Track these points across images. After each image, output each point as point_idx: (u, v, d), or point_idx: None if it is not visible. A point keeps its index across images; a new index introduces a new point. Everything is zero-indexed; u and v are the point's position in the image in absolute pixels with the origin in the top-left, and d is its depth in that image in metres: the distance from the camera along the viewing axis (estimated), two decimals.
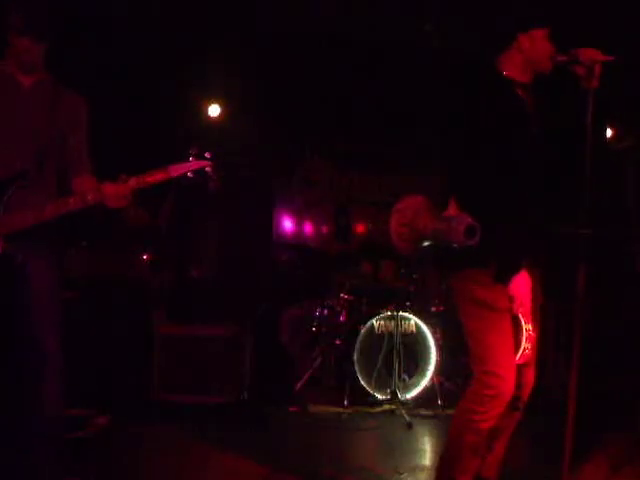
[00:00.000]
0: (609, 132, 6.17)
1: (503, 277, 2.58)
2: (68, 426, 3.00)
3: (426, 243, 2.66)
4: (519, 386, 2.68)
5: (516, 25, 2.70)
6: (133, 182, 2.66)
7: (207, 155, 2.75)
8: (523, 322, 2.64)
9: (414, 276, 5.41)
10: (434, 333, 5.11)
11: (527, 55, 2.68)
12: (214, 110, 6.48)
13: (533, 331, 2.66)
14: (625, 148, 2.93)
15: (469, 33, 4.73)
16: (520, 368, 2.67)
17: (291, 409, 4.95)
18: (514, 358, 2.63)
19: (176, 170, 2.70)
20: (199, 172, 2.75)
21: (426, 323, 5.11)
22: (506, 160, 2.55)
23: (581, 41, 2.59)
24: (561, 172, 2.73)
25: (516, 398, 2.67)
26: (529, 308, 2.67)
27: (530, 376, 2.76)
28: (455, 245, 2.48)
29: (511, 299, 2.62)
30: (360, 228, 7.10)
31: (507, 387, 2.59)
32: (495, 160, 2.54)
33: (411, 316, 5.11)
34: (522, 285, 2.62)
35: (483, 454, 2.73)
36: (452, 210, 2.59)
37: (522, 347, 2.64)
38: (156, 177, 2.68)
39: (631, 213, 2.92)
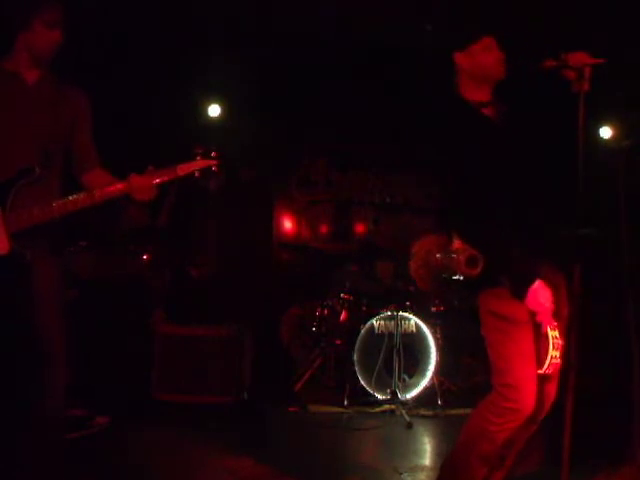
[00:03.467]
0: (609, 132, 6.20)
1: (518, 293, 2.54)
2: (68, 426, 3.01)
3: (444, 275, 2.67)
4: (542, 397, 2.61)
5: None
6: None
7: (213, 154, 2.75)
8: (549, 330, 2.54)
9: None
10: (434, 333, 5.11)
11: (471, 73, 2.68)
12: (214, 110, 6.49)
13: (560, 338, 2.55)
14: (622, 148, 2.94)
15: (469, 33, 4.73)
16: (542, 380, 2.60)
17: (291, 409, 4.95)
18: (535, 371, 2.56)
19: (184, 169, 2.71)
20: (206, 171, 2.75)
21: (426, 323, 5.11)
22: (494, 182, 2.55)
23: (574, 44, 2.60)
24: (558, 175, 2.73)
25: (537, 411, 2.61)
26: (552, 315, 2.58)
27: (552, 389, 2.70)
28: (461, 276, 2.50)
29: (532, 312, 2.56)
30: (360, 228, 7.11)
31: (527, 401, 2.54)
32: (483, 184, 2.55)
33: (411, 316, 5.11)
34: (540, 296, 2.54)
35: (493, 464, 2.68)
36: (457, 243, 2.59)
37: (549, 356, 2.53)
38: (165, 177, 2.69)
39: (623, 213, 2.93)
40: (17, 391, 2.69)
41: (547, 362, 2.54)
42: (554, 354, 2.53)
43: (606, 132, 6.21)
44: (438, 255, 2.61)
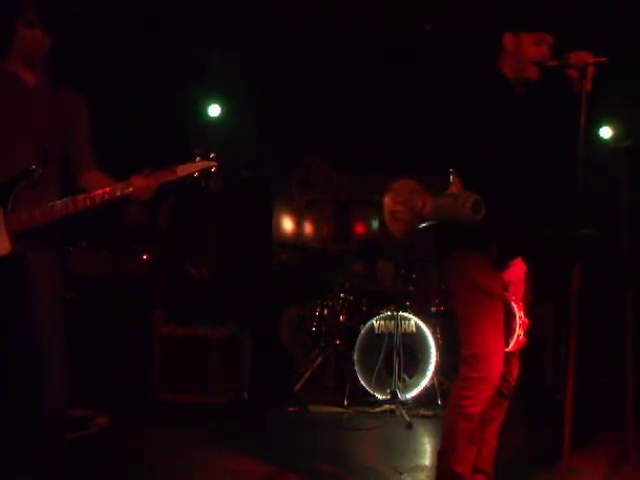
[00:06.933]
0: (609, 132, 6.20)
1: (502, 263, 2.61)
2: (68, 426, 3.01)
3: (424, 224, 2.67)
4: (507, 373, 2.72)
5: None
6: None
7: (212, 155, 2.75)
8: (516, 309, 2.67)
9: (413, 276, 5.42)
10: (434, 333, 5.11)
11: (511, 56, 2.71)
12: (214, 110, 6.49)
13: (525, 318, 2.69)
14: (623, 147, 2.94)
15: (468, 33, 4.74)
16: (507, 357, 2.69)
17: (291, 409, 4.95)
18: (503, 343, 2.66)
19: (183, 170, 2.71)
20: (205, 172, 2.75)
21: (426, 323, 5.11)
22: (507, 149, 2.58)
23: (574, 44, 2.60)
24: (562, 172, 2.74)
25: (504, 385, 2.73)
26: (521, 296, 2.71)
27: (516, 365, 2.80)
28: (460, 220, 2.49)
29: (506, 286, 2.67)
30: (360, 228, 7.11)
31: (494, 370, 2.62)
32: (497, 147, 2.57)
33: (411, 316, 5.11)
34: (517, 272, 2.68)
35: (478, 444, 2.73)
36: (455, 188, 2.61)
37: (516, 334, 2.66)
38: (165, 178, 2.69)
39: (624, 213, 2.95)
40: (17, 391, 2.69)
41: (513, 340, 2.68)
42: (519, 332, 2.68)
43: (606, 132, 6.21)
44: (430, 199, 2.60)
